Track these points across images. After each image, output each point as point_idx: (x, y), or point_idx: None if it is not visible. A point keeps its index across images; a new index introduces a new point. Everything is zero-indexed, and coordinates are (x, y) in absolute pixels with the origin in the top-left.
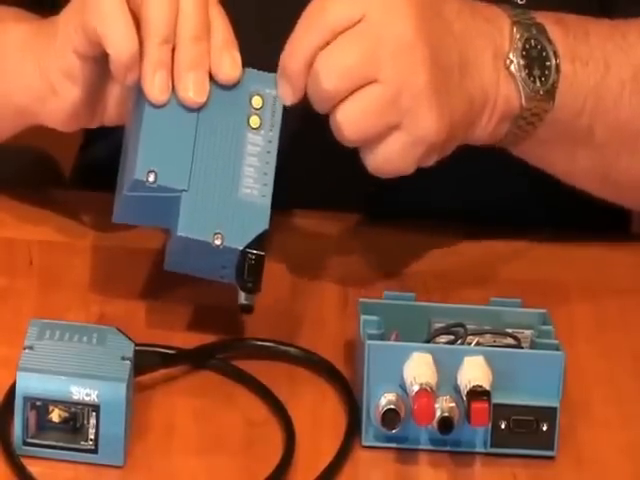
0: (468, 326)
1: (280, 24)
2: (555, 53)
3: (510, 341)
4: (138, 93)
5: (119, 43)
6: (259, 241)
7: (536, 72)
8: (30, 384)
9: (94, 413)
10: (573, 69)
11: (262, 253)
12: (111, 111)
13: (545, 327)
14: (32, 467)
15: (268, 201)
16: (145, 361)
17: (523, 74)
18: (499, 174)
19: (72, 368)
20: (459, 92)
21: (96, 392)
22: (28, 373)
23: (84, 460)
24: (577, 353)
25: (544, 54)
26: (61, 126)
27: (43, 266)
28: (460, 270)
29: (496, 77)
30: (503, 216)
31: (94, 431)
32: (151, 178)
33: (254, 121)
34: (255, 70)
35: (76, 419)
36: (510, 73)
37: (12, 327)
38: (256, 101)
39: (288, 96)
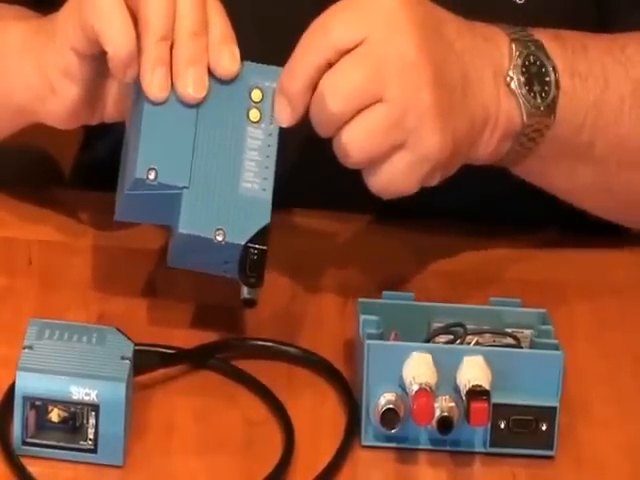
0: (467, 326)
1: (277, 24)
2: (554, 68)
3: (510, 341)
4: (137, 91)
5: (117, 40)
6: (261, 235)
7: (536, 88)
8: (29, 384)
9: (93, 413)
10: (572, 84)
11: (264, 247)
12: (110, 108)
13: (545, 327)
14: (32, 467)
15: (269, 195)
16: (145, 361)
17: (523, 90)
18: (500, 174)
19: (72, 368)
20: (462, 110)
21: (95, 392)
22: (27, 373)
23: (84, 460)
24: (576, 353)
25: (543, 70)
26: (61, 124)
27: (43, 266)
28: (460, 270)
29: (497, 94)
30: (503, 216)
31: (93, 431)
32: (152, 176)
33: (254, 115)
34: (254, 63)
35: (75, 419)
36: (510, 90)
37: (12, 327)
38: (256, 94)
39: (286, 117)
